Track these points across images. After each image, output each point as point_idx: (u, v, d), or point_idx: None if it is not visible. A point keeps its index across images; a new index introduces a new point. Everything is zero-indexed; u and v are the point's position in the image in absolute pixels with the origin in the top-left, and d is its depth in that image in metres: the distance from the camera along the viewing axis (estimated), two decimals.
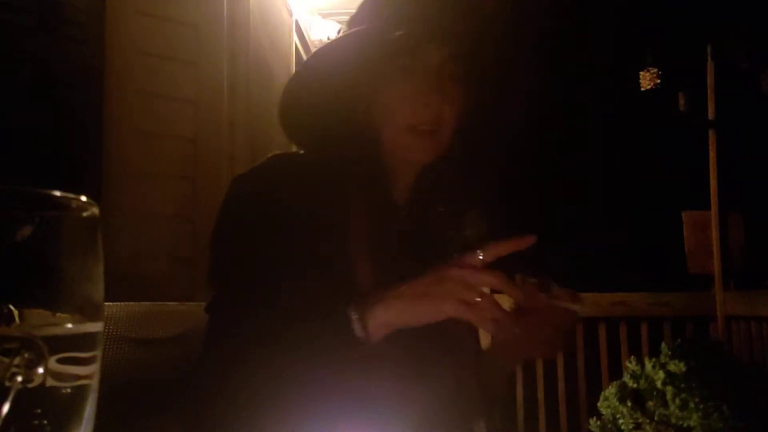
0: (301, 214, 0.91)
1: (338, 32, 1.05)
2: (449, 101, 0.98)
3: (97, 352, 0.36)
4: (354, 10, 1.06)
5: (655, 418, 2.09)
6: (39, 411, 0.32)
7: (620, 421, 2.12)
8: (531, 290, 0.89)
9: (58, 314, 0.34)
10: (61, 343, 0.33)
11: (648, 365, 2.16)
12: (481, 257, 0.83)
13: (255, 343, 0.86)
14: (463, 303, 0.81)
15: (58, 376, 0.33)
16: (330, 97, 0.99)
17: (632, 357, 2.29)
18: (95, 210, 0.36)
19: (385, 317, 0.83)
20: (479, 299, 0.81)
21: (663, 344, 2.25)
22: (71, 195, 0.35)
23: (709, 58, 3.16)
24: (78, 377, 0.34)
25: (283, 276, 0.88)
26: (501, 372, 1.09)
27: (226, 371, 0.88)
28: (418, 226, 1.04)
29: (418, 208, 1.05)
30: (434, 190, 1.06)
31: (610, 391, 2.21)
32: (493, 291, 0.86)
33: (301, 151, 1.07)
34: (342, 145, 0.99)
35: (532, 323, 0.89)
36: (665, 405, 2.01)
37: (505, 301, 0.88)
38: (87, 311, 0.35)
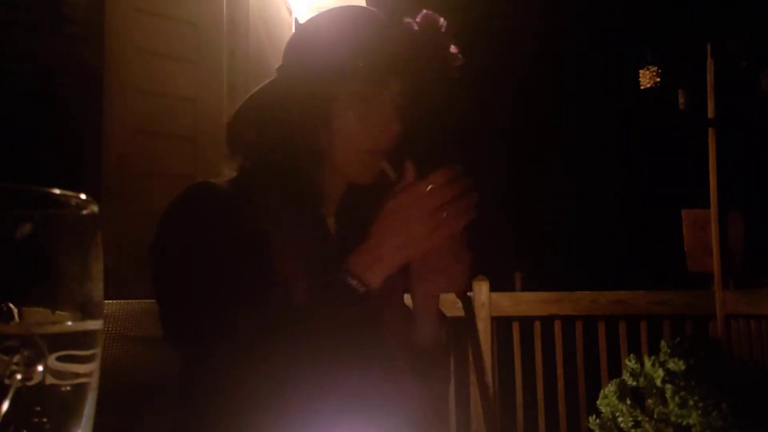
0: (235, 232, 0.97)
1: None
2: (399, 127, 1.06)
3: (97, 351, 0.35)
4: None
5: (655, 416, 2.09)
6: (38, 409, 0.32)
7: (619, 419, 2.12)
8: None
9: (57, 312, 0.34)
10: (60, 341, 0.33)
11: (647, 363, 2.16)
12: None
13: (251, 341, 0.88)
14: (436, 230, 0.91)
15: (57, 374, 0.33)
16: (287, 117, 1.06)
17: (631, 355, 2.29)
18: (95, 208, 0.36)
19: (380, 275, 0.93)
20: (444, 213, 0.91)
21: (662, 342, 2.24)
22: (70, 193, 0.34)
23: (709, 57, 3.15)
24: (78, 375, 0.34)
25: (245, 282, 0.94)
26: (430, 328, 1.11)
27: (222, 373, 0.89)
28: (342, 238, 1.11)
29: (344, 219, 1.13)
30: (360, 204, 1.12)
31: (610, 389, 2.21)
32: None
33: (233, 170, 1.14)
34: (287, 161, 1.06)
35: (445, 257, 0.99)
36: (664, 403, 2.01)
37: None
38: (87, 309, 0.35)
